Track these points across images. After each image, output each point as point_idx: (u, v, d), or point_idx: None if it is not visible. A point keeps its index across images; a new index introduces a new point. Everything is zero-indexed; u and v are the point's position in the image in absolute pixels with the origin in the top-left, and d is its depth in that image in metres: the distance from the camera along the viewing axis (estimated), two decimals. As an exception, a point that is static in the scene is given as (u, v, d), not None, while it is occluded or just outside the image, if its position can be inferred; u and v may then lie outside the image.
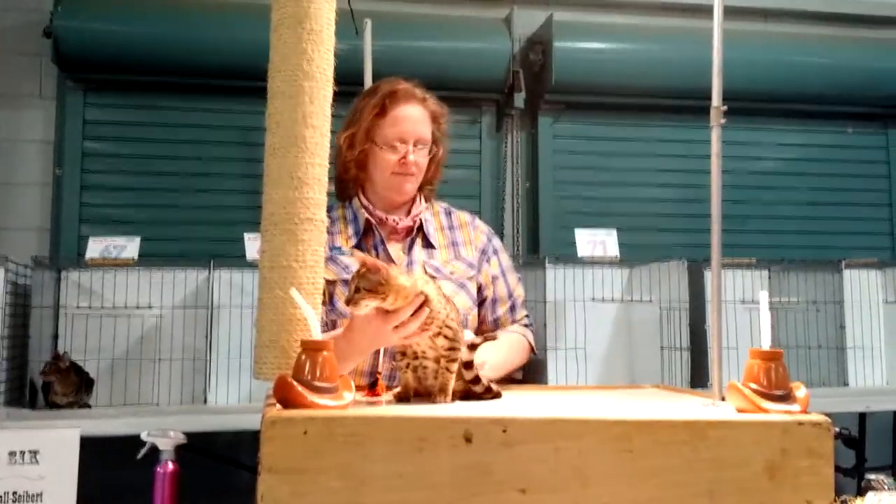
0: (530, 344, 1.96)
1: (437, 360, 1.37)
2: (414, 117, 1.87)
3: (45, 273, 2.92)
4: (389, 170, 1.87)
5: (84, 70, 3.41)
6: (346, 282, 1.61)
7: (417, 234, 1.91)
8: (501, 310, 1.96)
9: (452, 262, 1.90)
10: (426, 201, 1.99)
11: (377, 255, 1.84)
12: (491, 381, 1.46)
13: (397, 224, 1.90)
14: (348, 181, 1.93)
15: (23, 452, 1.44)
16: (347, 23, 2.78)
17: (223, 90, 3.45)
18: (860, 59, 3.84)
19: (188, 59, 3.35)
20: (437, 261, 1.89)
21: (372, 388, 1.47)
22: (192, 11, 3.41)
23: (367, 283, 1.31)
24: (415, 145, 1.87)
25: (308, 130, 1.41)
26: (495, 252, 1.99)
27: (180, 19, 3.37)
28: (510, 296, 1.97)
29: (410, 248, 1.90)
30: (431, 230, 1.94)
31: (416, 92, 1.91)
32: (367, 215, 1.89)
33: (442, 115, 1.95)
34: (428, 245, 1.91)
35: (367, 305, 1.32)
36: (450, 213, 2.01)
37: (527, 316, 2.02)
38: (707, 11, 1.53)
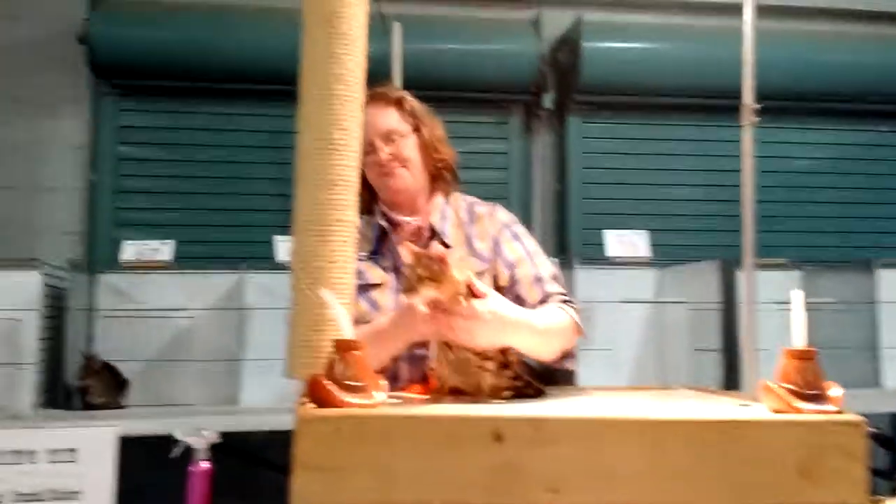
0: (574, 320, 1.71)
1: (477, 355, 1.37)
2: (376, 114, 1.77)
3: (81, 276, 2.97)
4: (374, 173, 1.81)
5: (118, 76, 3.47)
6: (360, 287, 1.56)
7: (433, 235, 1.83)
8: (527, 291, 1.75)
9: (466, 259, 1.78)
10: (444, 196, 1.90)
11: (393, 259, 1.81)
12: (530, 379, 1.44)
13: (410, 225, 1.84)
14: (363, 194, 1.87)
15: (61, 451, 1.47)
16: (376, 26, 2.81)
17: (254, 94, 3.50)
18: (894, 56, 3.79)
19: (219, 64, 3.40)
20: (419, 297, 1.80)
21: (423, 382, 1.48)
22: (224, 17, 3.45)
23: (427, 272, 1.31)
24: (388, 140, 1.80)
25: (338, 132, 1.41)
26: (516, 237, 1.83)
27: (212, 25, 3.42)
28: (536, 276, 1.76)
29: (426, 249, 1.84)
30: (447, 228, 1.84)
31: (386, 93, 1.83)
32: (382, 221, 1.85)
33: (405, 99, 1.84)
34: (444, 245, 1.79)
35: (426, 293, 1.33)
36: (471, 208, 1.90)
37: (563, 294, 1.75)
38: (738, 10, 1.52)
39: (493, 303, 1.40)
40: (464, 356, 1.39)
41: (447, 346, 1.40)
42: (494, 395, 1.41)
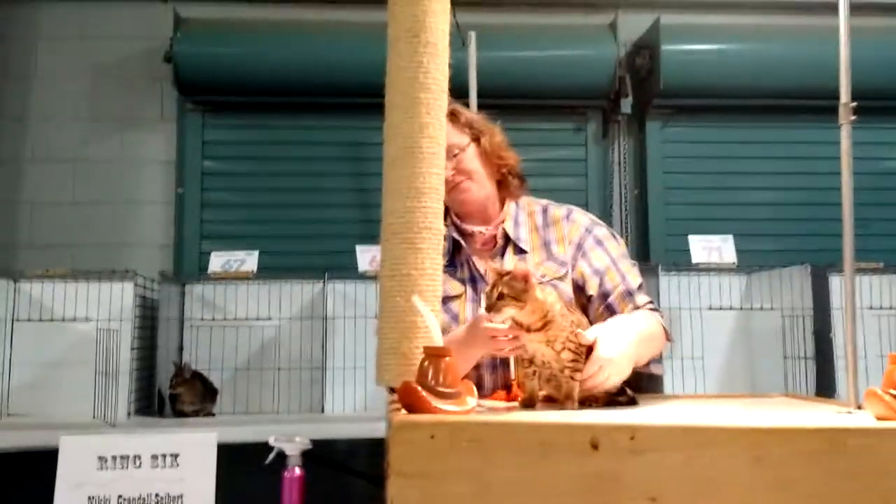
0: (663, 326, 1.71)
1: (562, 370, 1.37)
2: None
3: (171, 287, 3.06)
4: (444, 191, 1.76)
5: (202, 93, 3.57)
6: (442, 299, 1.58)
7: (507, 242, 1.83)
8: (618, 303, 1.74)
9: (544, 263, 1.79)
10: (515, 202, 1.89)
11: (469, 270, 1.81)
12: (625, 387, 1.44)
13: (483, 235, 1.84)
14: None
15: (164, 456, 1.52)
16: (453, 35, 2.83)
17: (334, 107, 3.55)
18: None
19: (300, 79, 3.46)
20: (530, 265, 1.75)
21: (507, 391, 1.48)
22: (301, 33, 3.52)
23: (512, 291, 1.32)
24: (448, 156, 1.73)
25: (425, 141, 1.43)
26: (599, 243, 1.81)
27: (291, 42, 3.49)
28: (627, 288, 1.75)
29: (502, 257, 1.81)
30: (523, 234, 1.83)
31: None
32: (453, 233, 1.85)
33: (458, 111, 1.84)
34: (520, 251, 1.81)
35: (507, 312, 1.34)
36: (546, 211, 1.88)
37: (650, 302, 1.77)
38: (819, 8, 1.47)
39: (608, 343, 1.42)
40: (549, 371, 1.39)
41: (529, 360, 1.40)
42: (587, 403, 1.40)
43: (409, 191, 1.42)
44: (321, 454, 2.59)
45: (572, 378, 1.36)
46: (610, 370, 1.40)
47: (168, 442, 1.51)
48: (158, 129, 3.68)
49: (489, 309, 1.35)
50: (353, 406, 2.97)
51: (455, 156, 1.80)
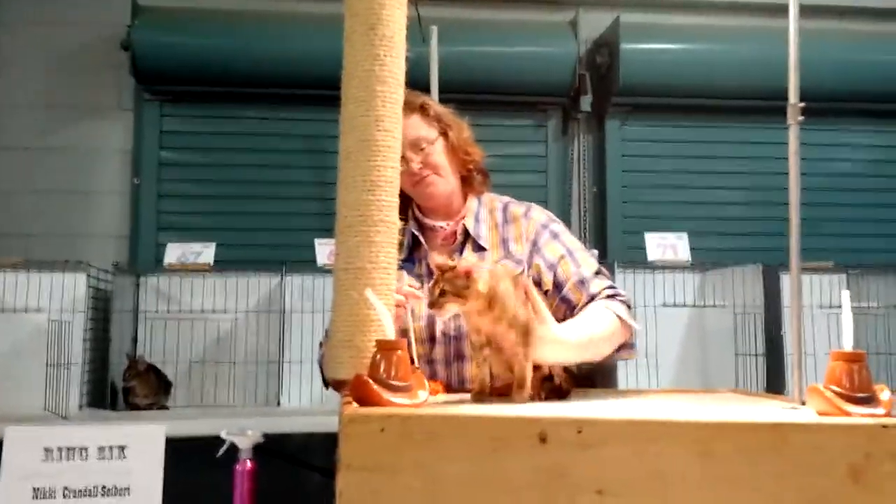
0: (620, 318, 1.65)
1: (514, 354, 1.37)
2: (404, 125, 1.65)
3: (125, 278, 3.02)
4: (408, 183, 1.78)
5: (160, 82, 3.53)
6: None
7: (467, 238, 1.82)
8: (572, 293, 1.72)
9: (502, 261, 1.78)
10: (478, 198, 1.89)
11: (426, 266, 1.79)
12: (564, 377, 1.44)
13: (444, 230, 1.84)
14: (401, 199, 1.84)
15: (111, 448, 1.50)
16: (414, 29, 2.82)
17: (294, 99, 3.53)
18: (942, 55, 3.71)
19: (260, 70, 3.43)
20: (488, 262, 1.76)
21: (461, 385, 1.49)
22: (263, 23, 3.49)
23: (452, 287, 1.31)
24: (417, 149, 1.78)
25: (381, 134, 1.43)
26: (555, 236, 1.80)
27: (251, 32, 3.46)
28: (580, 277, 1.73)
29: (461, 253, 1.81)
30: (483, 231, 1.83)
31: (409, 100, 1.70)
32: (414, 229, 1.84)
33: (427, 104, 1.83)
34: (479, 248, 1.81)
35: (450, 309, 1.33)
36: (506, 209, 1.87)
37: (610, 287, 1.73)
38: (777, 10, 1.50)
39: (553, 328, 1.41)
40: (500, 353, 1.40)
41: (481, 345, 1.39)
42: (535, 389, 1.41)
43: (365, 184, 1.42)
44: (275, 448, 2.58)
45: (525, 358, 1.35)
46: (537, 348, 1.38)
47: (115, 434, 1.49)
48: (115, 119, 3.63)
49: (431, 306, 1.33)
50: (309, 400, 2.96)
51: (423, 149, 1.79)
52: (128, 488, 1.46)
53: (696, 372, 3.09)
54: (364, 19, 1.44)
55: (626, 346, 1.68)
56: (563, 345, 1.40)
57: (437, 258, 1.35)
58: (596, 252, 1.84)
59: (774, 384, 2.82)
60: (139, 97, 3.60)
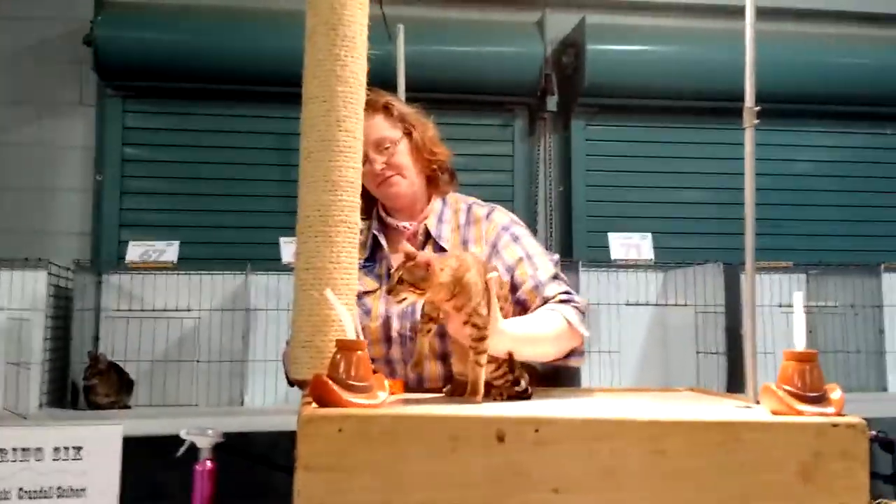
0: (569, 322, 1.63)
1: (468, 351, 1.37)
2: (366, 124, 1.63)
3: (87, 276, 2.99)
4: (371, 184, 1.79)
5: (123, 78, 3.48)
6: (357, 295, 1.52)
7: (428, 238, 1.81)
8: (527, 295, 1.71)
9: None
10: (442, 198, 1.88)
11: (386, 266, 1.79)
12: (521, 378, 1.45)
13: (407, 230, 1.83)
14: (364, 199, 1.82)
15: (67, 448, 1.48)
16: (380, 28, 2.82)
17: (259, 96, 3.50)
18: (898, 58, 3.79)
19: (225, 66, 3.41)
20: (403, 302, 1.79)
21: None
22: (228, 19, 3.47)
23: (410, 277, 1.31)
24: (380, 150, 1.78)
25: (342, 134, 1.43)
26: (515, 239, 1.79)
27: (217, 28, 3.43)
28: (535, 281, 1.71)
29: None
30: (445, 232, 1.82)
31: (372, 100, 1.72)
32: (375, 230, 1.84)
33: (391, 104, 1.83)
34: (440, 249, 1.79)
35: (406, 299, 1.33)
36: (469, 210, 1.86)
37: (565, 292, 1.71)
38: (739, 13, 1.52)
39: (496, 319, 1.39)
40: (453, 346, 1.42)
41: (428, 318, 1.40)
42: (490, 395, 1.42)
43: (326, 184, 1.42)
44: (237, 447, 2.57)
45: (477, 363, 1.35)
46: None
47: (71, 434, 1.48)
48: (77, 114, 3.58)
49: (388, 292, 1.34)
50: (273, 399, 2.94)
51: (386, 149, 1.79)
52: (84, 489, 1.45)
53: (658, 370, 3.13)
54: (325, 19, 1.44)
55: (575, 353, 1.68)
56: (501, 335, 1.39)
57: (407, 246, 1.36)
58: (557, 257, 1.83)
59: (735, 382, 2.86)
60: (102, 93, 3.56)
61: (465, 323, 1.35)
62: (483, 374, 1.36)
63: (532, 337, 1.54)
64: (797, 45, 3.74)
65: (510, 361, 1.43)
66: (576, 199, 3.74)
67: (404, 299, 1.33)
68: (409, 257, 1.32)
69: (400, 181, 1.81)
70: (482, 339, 1.35)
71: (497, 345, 1.39)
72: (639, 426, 1.14)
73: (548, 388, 1.66)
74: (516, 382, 1.44)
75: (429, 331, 1.40)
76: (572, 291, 1.74)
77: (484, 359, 1.36)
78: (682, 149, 3.81)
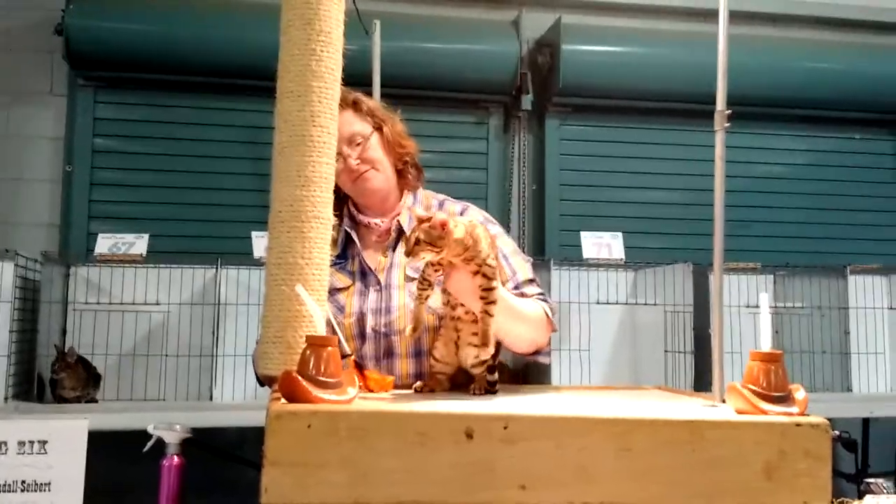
0: (548, 315, 1.70)
1: (475, 321, 1.41)
2: (338, 121, 1.66)
3: (54, 268, 2.95)
4: (346, 180, 1.79)
5: (95, 68, 3.44)
6: (329, 291, 1.53)
7: (401, 235, 1.82)
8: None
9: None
10: (414, 194, 1.90)
11: (359, 263, 1.81)
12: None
13: (379, 227, 1.84)
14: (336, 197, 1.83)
15: (31, 442, 1.47)
16: (356, 24, 2.81)
17: (233, 89, 3.47)
18: (868, 65, 3.84)
19: (198, 57, 3.37)
20: (420, 262, 1.82)
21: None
22: (203, 11, 3.43)
23: (427, 237, 1.34)
24: (353, 145, 1.79)
25: (316, 129, 1.42)
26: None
27: (190, 18, 3.40)
28: (513, 278, 1.75)
29: (394, 250, 1.82)
30: None
31: (342, 96, 1.66)
32: (347, 226, 1.84)
33: (360, 100, 1.84)
34: None
35: (424, 257, 1.36)
36: (441, 206, 1.88)
37: (541, 294, 1.76)
38: (716, 15, 1.53)
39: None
40: (460, 325, 1.46)
41: (426, 282, 1.44)
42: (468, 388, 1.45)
43: (299, 179, 1.42)
44: (205, 442, 2.56)
45: (487, 313, 1.39)
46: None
47: (36, 428, 1.46)
48: (47, 105, 3.53)
49: (407, 254, 1.37)
50: (243, 394, 2.93)
51: (359, 144, 1.79)
52: (49, 483, 1.44)
53: (627, 368, 3.15)
54: (301, 13, 1.43)
55: (542, 351, 1.72)
56: (498, 298, 1.43)
57: (419, 210, 1.40)
58: (530, 260, 1.85)
59: (702, 381, 2.89)
60: (73, 83, 3.51)
61: (476, 273, 1.39)
62: (493, 325, 1.39)
63: (518, 312, 1.58)
64: (769, 49, 3.78)
65: (495, 353, 1.46)
66: (549, 198, 3.76)
67: (423, 258, 1.37)
68: (422, 220, 1.36)
69: (375, 175, 1.82)
70: (492, 288, 1.39)
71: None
72: (606, 424, 1.15)
73: (517, 385, 1.68)
74: (491, 371, 1.46)
75: (427, 297, 1.44)
76: (545, 293, 1.78)
77: (494, 309, 1.40)
78: (654, 150, 3.83)
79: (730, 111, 1.50)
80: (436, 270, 1.43)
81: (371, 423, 1.12)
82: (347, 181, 1.80)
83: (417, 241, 1.34)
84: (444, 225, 1.35)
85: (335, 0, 1.45)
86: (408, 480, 1.12)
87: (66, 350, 2.77)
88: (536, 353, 1.69)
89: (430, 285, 1.44)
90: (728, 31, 1.52)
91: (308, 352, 1.22)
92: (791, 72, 3.73)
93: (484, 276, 1.39)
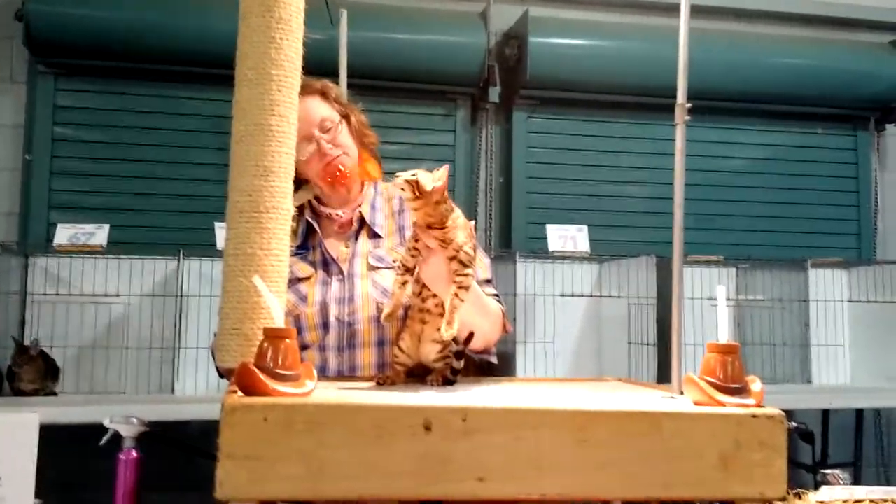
0: (503, 312, 1.73)
1: (441, 315, 1.41)
2: (305, 106, 1.72)
3: (13, 259, 2.90)
4: (317, 165, 1.78)
5: (55, 55, 3.38)
6: (288, 281, 1.52)
7: (363, 225, 1.82)
8: None
9: (397, 248, 1.77)
10: (374, 186, 1.89)
11: (321, 253, 1.79)
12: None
13: (340, 218, 1.82)
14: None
15: (-20, 437, 1.44)
16: (323, 13, 2.78)
17: (195, 77, 3.43)
18: (831, 60, 3.89)
19: (161, 45, 3.33)
20: (383, 249, 1.79)
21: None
22: (166, -1, 3.38)
23: (419, 186, 1.36)
24: (324, 129, 1.78)
25: (275, 119, 1.41)
26: None
27: (153, 5, 3.35)
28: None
29: (356, 239, 1.81)
30: (379, 219, 1.83)
31: (309, 84, 1.75)
32: (308, 216, 1.83)
33: (328, 87, 1.84)
34: (374, 235, 1.81)
35: (405, 194, 1.38)
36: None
37: (496, 296, 1.77)
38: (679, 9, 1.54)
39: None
40: (426, 318, 1.46)
41: (405, 269, 1.45)
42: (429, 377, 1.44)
43: (258, 169, 1.40)
44: (169, 436, 2.53)
45: (457, 296, 1.39)
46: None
47: (-15, 423, 1.44)
48: (7, 92, 3.46)
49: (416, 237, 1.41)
50: (205, 387, 2.90)
51: (329, 129, 1.78)
52: (-1, 478, 1.41)
53: (591, 360, 3.18)
54: (261, 1, 1.41)
55: (489, 351, 1.73)
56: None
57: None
58: (488, 261, 1.85)
59: (665, 373, 2.91)
60: (33, 70, 3.45)
61: (453, 259, 1.40)
62: (460, 309, 1.39)
63: (483, 306, 1.61)
64: (734, 43, 3.81)
65: (468, 339, 1.47)
66: (516, 191, 3.76)
67: (403, 193, 1.38)
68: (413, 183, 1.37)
69: (346, 160, 1.81)
70: (466, 275, 1.40)
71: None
72: (564, 416, 1.15)
73: (478, 377, 1.68)
74: (458, 357, 1.46)
75: (404, 283, 1.45)
76: (500, 297, 1.80)
77: (465, 294, 1.40)
78: (620, 143, 3.86)
79: (690, 105, 1.51)
80: (413, 256, 1.44)
81: (327, 416, 1.11)
82: (318, 166, 1.78)
83: (408, 182, 1.36)
84: (415, 183, 1.37)
85: (296, -13, 1.43)
86: (365, 474, 1.11)
87: (28, 343, 2.72)
88: (485, 351, 1.71)
89: (409, 271, 1.45)
90: (689, 26, 1.52)
91: (265, 344, 1.21)
92: (755, 67, 3.76)
93: (460, 262, 1.40)
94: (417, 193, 1.37)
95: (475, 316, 1.54)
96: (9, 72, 3.46)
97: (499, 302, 1.76)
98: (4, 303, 2.83)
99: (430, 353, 1.47)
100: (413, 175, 1.37)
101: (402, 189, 1.37)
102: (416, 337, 1.48)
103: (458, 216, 1.42)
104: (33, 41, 3.28)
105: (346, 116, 1.84)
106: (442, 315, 1.42)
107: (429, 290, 1.46)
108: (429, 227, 1.40)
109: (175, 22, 3.33)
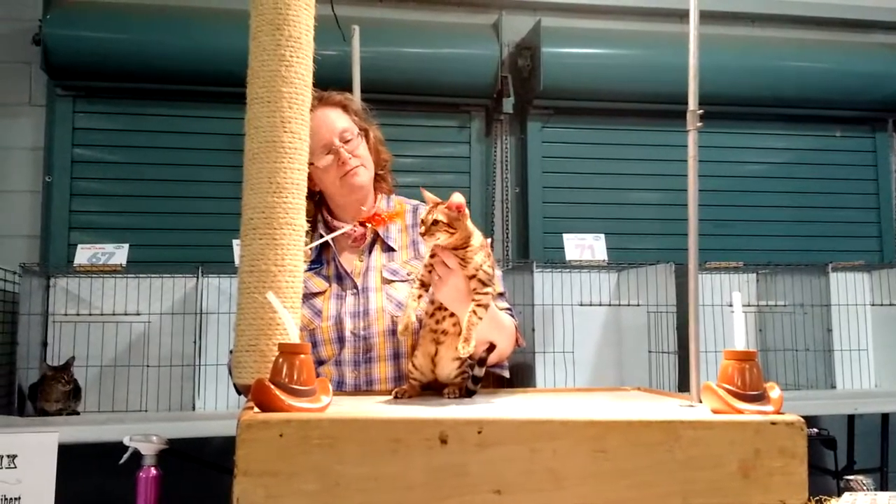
0: (516, 327, 1.74)
1: (458, 334, 1.42)
2: (326, 116, 1.79)
3: (34, 280, 2.93)
4: (335, 174, 1.79)
5: (73, 77, 3.42)
6: (303, 296, 1.52)
7: (376, 239, 1.83)
8: None
9: (411, 262, 1.79)
10: (387, 200, 1.90)
11: (335, 267, 1.80)
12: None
13: (354, 232, 1.83)
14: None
15: (1, 457, 1.45)
16: (335, 29, 2.80)
17: (212, 97, 3.46)
18: (848, 63, 3.86)
19: (176, 66, 3.36)
20: (397, 262, 1.80)
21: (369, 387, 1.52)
22: (180, 19, 3.42)
23: (446, 217, 1.39)
24: (344, 139, 1.80)
25: (287, 135, 1.42)
26: None
27: (168, 27, 3.38)
28: None
29: (369, 253, 1.82)
30: (392, 232, 1.84)
31: (330, 96, 1.83)
32: (322, 230, 1.84)
33: (350, 101, 1.88)
34: (388, 248, 1.82)
35: (440, 238, 1.40)
36: (416, 211, 1.88)
37: (509, 309, 1.78)
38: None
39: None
40: (442, 339, 1.47)
41: (423, 284, 1.47)
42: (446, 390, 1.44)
43: (271, 185, 1.41)
44: (189, 453, 2.54)
45: (475, 313, 1.40)
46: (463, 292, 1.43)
47: (6, 443, 1.45)
48: (26, 115, 3.50)
49: (423, 234, 1.40)
50: (225, 403, 2.91)
51: (349, 140, 1.80)
52: (18, 498, 1.42)
53: (611, 369, 3.15)
54: (270, 19, 1.43)
55: (501, 365, 1.74)
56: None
57: (428, 194, 1.44)
58: (500, 273, 1.85)
59: (687, 381, 2.88)
60: (51, 93, 3.49)
61: (472, 277, 1.42)
62: (478, 326, 1.40)
63: (499, 321, 1.61)
64: (749, 48, 3.79)
65: (490, 349, 1.48)
66: (532, 201, 3.75)
67: (438, 239, 1.40)
68: (438, 203, 1.41)
69: (363, 172, 1.83)
70: (486, 293, 1.42)
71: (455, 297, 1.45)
72: (580, 426, 1.14)
73: (495, 389, 1.67)
74: (481, 364, 1.47)
75: (419, 296, 1.47)
76: (513, 310, 1.81)
77: (483, 312, 1.41)
78: (636, 150, 3.84)
79: (702, 111, 1.50)
80: (430, 272, 1.46)
81: (343, 430, 1.11)
82: (335, 176, 1.80)
83: (435, 222, 1.38)
84: (459, 208, 1.40)
85: (305, 5, 1.44)
86: (381, 487, 1.11)
87: (60, 367, 2.73)
88: (498, 365, 1.71)
89: (424, 286, 1.46)
90: (702, 32, 1.52)
91: (280, 360, 1.21)
92: (771, 71, 3.74)
93: (479, 280, 1.42)
94: (453, 230, 1.39)
95: (490, 331, 1.54)
96: (28, 96, 3.51)
97: (511, 316, 1.76)
98: (26, 324, 2.86)
99: (450, 372, 1.47)
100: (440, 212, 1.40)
101: (437, 239, 1.40)
102: (428, 357, 1.48)
103: (476, 235, 1.44)
104: (51, 65, 3.33)
105: (364, 131, 1.86)
106: (458, 335, 1.42)
107: (442, 311, 1.47)
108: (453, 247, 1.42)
109: (189, 43, 3.37)
